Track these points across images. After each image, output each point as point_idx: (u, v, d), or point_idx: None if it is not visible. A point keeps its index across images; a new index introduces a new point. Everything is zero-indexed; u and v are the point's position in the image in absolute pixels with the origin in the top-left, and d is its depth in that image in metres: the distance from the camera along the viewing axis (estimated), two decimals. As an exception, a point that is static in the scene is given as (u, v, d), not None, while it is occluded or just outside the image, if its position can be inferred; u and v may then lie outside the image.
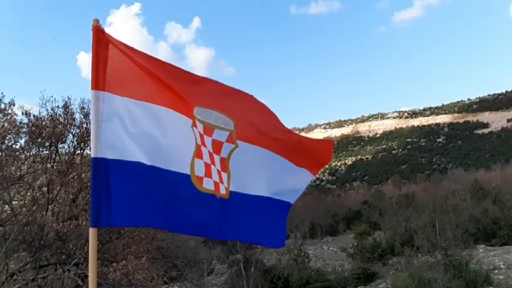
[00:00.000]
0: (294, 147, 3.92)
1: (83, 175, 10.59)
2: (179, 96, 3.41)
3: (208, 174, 3.46)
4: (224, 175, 3.58)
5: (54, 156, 11.48)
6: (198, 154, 3.42)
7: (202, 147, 3.46)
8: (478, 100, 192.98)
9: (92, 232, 3.16)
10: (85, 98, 11.58)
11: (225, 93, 3.69)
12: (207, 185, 3.44)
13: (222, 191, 3.53)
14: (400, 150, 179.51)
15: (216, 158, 3.56)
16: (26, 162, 10.72)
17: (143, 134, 3.28)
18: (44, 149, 11.29)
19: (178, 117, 3.39)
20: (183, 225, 3.50)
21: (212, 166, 3.50)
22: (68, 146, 11.76)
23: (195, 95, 3.52)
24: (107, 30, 3.28)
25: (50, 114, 11.18)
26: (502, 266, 23.90)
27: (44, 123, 10.74)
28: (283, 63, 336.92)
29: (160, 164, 3.28)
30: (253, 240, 4.24)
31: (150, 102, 3.31)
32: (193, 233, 3.75)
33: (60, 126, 10.97)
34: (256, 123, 3.78)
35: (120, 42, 3.32)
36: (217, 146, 3.56)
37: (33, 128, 10.44)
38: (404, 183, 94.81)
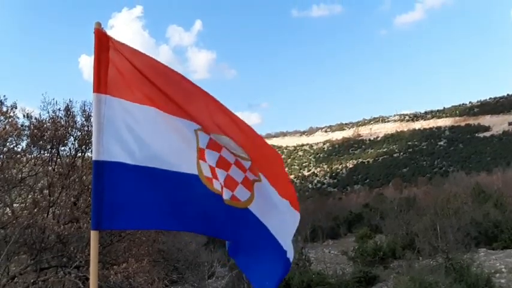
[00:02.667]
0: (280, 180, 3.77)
1: (84, 178, 10.59)
2: (185, 103, 3.37)
3: (214, 176, 3.40)
4: (245, 192, 3.49)
5: (55, 158, 11.50)
6: (200, 156, 3.38)
7: (207, 150, 3.39)
8: (479, 103, 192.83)
9: (93, 235, 3.16)
10: (86, 101, 11.63)
11: (228, 117, 3.52)
12: (216, 186, 3.39)
13: (226, 196, 3.44)
14: (402, 153, 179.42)
15: (238, 171, 3.47)
16: (27, 165, 10.72)
17: (145, 137, 3.27)
18: (45, 152, 11.31)
19: (180, 121, 3.35)
20: (193, 224, 3.47)
21: (217, 169, 3.41)
22: (69, 148, 11.79)
23: (205, 118, 3.42)
24: (109, 33, 3.28)
25: (51, 116, 11.20)
26: (503, 269, 23.79)
27: (45, 125, 10.76)
28: (284, 66, 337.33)
29: (163, 166, 3.26)
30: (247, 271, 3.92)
31: (152, 105, 3.30)
32: (203, 231, 3.71)
33: (61, 128, 10.98)
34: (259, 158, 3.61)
35: (123, 45, 3.32)
36: (241, 166, 3.49)
37: (35, 131, 10.45)
38: (405, 187, 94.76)
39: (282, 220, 3.64)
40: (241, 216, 3.49)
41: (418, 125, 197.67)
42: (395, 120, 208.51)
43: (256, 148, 3.60)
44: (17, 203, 10.78)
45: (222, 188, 3.39)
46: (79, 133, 11.64)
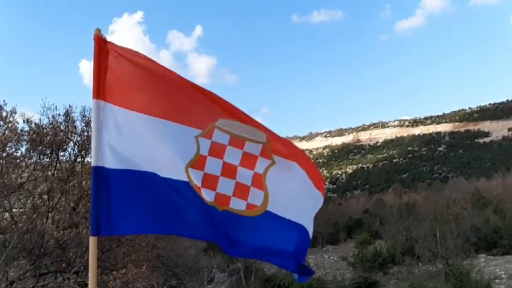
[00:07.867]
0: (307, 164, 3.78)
1: (84, 183, 10.59)
2: (186, 107, 3.38)
3: (207, 185, 3.36)
4: (259, 193, 3.48)
5: (54, 164, 11.50)
6: (195, 164, 3.33)
7: (209, 157, 3.37)
8: (479, 109, 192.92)
9: (92, 240, 3.17)
10: (86, 106, 11.63)
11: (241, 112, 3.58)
12: (206, 196, 3.35)
13: (240, 206, 3.43)
14: (401, 158, 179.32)
15: (246, 172, 3.46)
16: (26, 170, 10.73)
17: (142, 144, 3.28)
18: (45, 157, 11.32)
19: (179, 127, 3.34)
20: (187, 228, 3.44)
21: (222, 178, 3.40)
22: (69, 153, 11.80)
23: (217, 107, 3.45)
24: (109, 38, 3.30)
25: (51, 122, 11.21)
26: (503, 275, 23.79)
27: (45, 131, 10.77)
28: (284, 71, 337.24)
29: (158, 172, 3.27)
30: (276, 262, 3.88)
31: (149, 113, 3.29)
32: (197, 236, 3.71)
33: (61, 134, 11.00)
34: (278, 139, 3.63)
35: (124, 49, 3.32)
36: (249, 160, 3.47)
37: (34, 136, 10.46)
38: (405, 192, 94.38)
39: (301, 199, 3.66)
40: (256, 224, 3.48)
41: (418, 130, 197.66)
42: (395, 126, 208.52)
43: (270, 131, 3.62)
44: (16, 208, 10.77)
45: (217, 197, 3.39)
46: (79, 138, 11.66)
